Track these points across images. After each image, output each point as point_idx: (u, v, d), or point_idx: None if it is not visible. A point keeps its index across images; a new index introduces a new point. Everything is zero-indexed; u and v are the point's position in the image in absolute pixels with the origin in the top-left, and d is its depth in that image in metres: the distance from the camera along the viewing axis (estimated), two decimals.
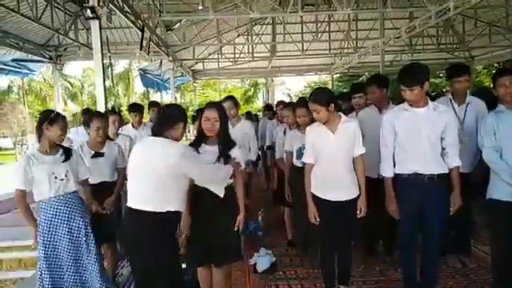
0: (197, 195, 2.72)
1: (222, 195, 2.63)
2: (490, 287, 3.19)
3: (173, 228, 2.52)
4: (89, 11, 4.95)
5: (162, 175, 2.32)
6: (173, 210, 2.38)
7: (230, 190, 2.77)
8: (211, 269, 2.87)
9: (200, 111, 3.19)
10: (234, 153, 2.83)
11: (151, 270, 2.37)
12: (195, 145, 2.81)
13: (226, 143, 2.80)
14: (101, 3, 5.00)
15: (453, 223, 3.25)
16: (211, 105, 2.87)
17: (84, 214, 2.92)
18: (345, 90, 24.27)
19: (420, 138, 2.82)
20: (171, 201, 2.37)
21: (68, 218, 2.82)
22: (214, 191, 2.61)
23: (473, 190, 3.39)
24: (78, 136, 5.37)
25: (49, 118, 2.79)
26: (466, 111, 3.52)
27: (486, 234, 3.64)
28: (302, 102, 3.68)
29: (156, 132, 2.43)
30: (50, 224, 2.79)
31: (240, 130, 4.39)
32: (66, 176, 2.81)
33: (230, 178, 2.76)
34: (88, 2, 4.98)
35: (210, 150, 2.77)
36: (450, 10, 6.69)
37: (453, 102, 3.53)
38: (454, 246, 3.77)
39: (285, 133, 4.22)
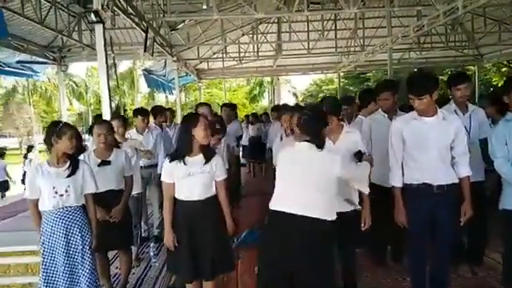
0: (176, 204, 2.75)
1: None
2: None
3: None
4: (93, 15, 4.82)
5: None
6: None
7: (211, 200, 2.76)
8: (200, 283, 2.81)
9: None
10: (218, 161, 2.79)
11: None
12: (179, 157, 2.70)
13: (210, 151, 2.78)
14: (105, 6, 4.90)
15: (466, 232, 3.18)
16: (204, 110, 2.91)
17: (84, 229, 2.86)
18: (351, 88, 24.17)
19: (429, 148, 2.75)
20: None
21: (66, 231, 2.78)
22: None
23: (484, 199, 3.30)
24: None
25: (55, 131, 2.73)
26: (470, 120, 3.43)
27: (496, 241, 3.56)
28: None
29: None
30: (50, 236, 2.78)
31: None
32: (66, 191, 2.77)
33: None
34: (92, 4, 4.90)
35: (196, 161, 2.72)
36: (458, 9, 6.56)
37: (457, 111, 3.42)
38: (467, 256, 3.67)
39: (281, 138, 4.11)
